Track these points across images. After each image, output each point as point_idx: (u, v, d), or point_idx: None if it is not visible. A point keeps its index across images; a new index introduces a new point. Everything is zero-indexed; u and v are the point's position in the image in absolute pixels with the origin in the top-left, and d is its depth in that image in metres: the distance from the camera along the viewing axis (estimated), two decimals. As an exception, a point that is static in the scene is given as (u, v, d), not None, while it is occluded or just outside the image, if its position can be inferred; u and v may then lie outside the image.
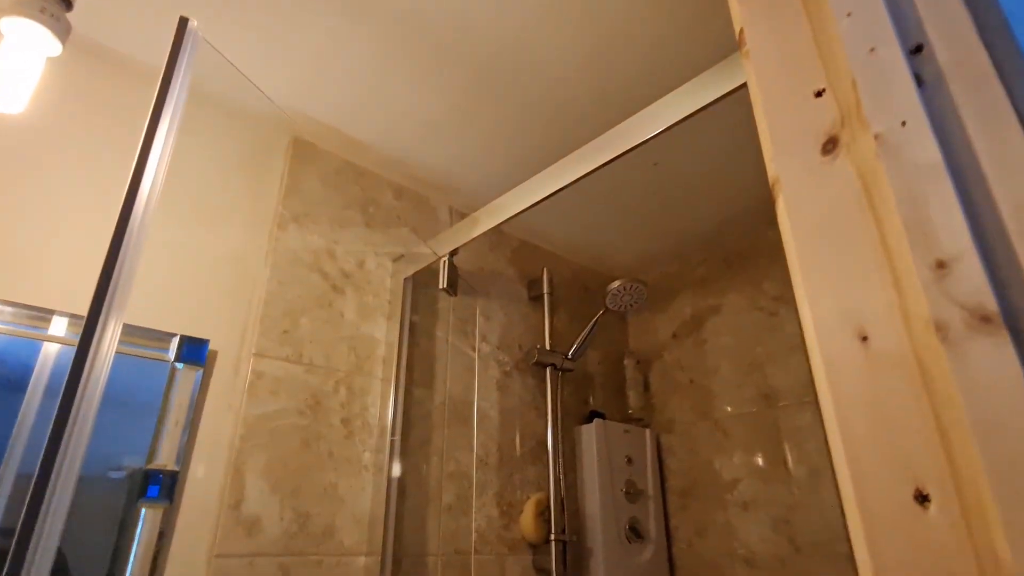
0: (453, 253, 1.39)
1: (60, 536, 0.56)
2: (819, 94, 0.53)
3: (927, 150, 0.43)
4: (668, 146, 1.42)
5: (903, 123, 0.45)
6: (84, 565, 0.90)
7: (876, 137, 0.46)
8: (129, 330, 0.99)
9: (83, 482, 0.90)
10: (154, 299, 1.05)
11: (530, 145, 1.42)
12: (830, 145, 0.50)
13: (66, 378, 0.60)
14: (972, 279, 0.39)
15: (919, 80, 0.47)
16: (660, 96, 0.96)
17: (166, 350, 1.03)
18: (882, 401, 0.42)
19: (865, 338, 0.44)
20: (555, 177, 1.11)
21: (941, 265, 0.40)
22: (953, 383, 0.38)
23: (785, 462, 1.54)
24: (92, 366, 0.62)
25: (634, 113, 0.99)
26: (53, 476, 0.57)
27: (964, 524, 0.37)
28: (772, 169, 0.55)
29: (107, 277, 0.66)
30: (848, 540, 0.49)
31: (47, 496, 0.56)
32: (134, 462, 0.97)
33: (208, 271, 1.15)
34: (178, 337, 1.04)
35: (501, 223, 1.23)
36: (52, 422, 0.58)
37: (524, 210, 1.18)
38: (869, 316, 0.44)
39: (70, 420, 0.60)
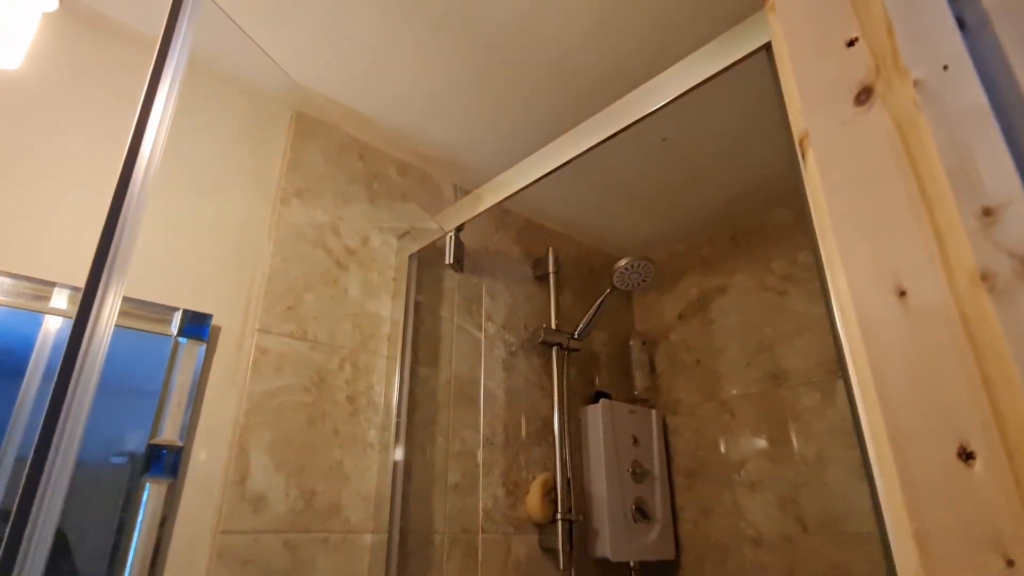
0: (459, 229, 1.37)
1: (59, 515, 0.54)
2: (851, 43, 0.50)
3: (972, 94, 0.41)
4: (676, 122, 1.39)
5: (945, 67, 0.43)
6: (87, 545, 0.88)
7: (916, 83, 0.44)
8: (130, 303, 0.97)
9: (85, 460, 0.89)
10: (156, 272, 1.03)
11: (536, 120, 1.39)
12: (864, 95, 0.48)
13: (65, 348, 0.58)
14: (1022, 226, 0.37)
15: (961, 24, 0.45)
16: (671, 67, 0.93)
17: (168, 325, 1.01)
18: (922, 357, 0.40)
19: (903, 293, 0.42)
20: (560, 151, 1.09)
21: (988, 213, 0.38)
22: (1000, 334, 0.36)
23: (792, 442, 1.52)
24: (91, 337, 0.60)
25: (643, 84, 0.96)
26: (51, 452, 0.55)
27: (1013, 481, 0.35)
28: (800, 124, 0.53)
29: (105, 246, 0.63)
30: (875, 513, 0.47)
31: (45, 472, 0.54)
32: (137, 439, 0.95)
33: (211, 245, 1.12)
34: (181, 311, 1.02)
35: (506, 198, 1.20)
36: (51, 393, 0.56)
37: (528, 185, 1.15)
38: (908, 270, 0.42)
39: (69, 391, 0.58)
